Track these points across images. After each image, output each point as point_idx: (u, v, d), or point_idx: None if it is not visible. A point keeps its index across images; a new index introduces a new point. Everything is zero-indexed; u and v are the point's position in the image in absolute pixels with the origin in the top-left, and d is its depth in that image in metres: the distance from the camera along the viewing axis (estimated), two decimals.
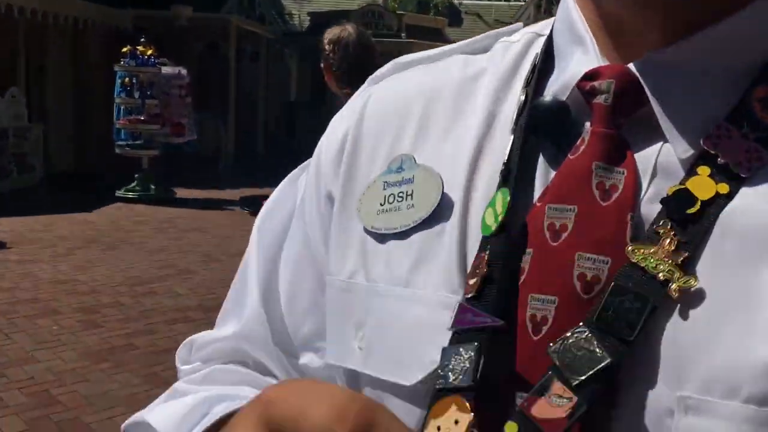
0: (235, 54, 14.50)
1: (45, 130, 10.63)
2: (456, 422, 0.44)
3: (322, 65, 2.83)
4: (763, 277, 0.42)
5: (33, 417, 3.65)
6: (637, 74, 0.48)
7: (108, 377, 4.06)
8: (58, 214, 8.48)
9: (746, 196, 0.44)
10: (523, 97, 0.55)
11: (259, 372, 0.67)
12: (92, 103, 11.24)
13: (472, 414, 0.43)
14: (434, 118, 0.59)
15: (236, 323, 0.68)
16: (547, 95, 0.53)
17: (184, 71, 10.38)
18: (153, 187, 10.01)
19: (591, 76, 0.50)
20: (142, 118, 9.88)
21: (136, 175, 9.99)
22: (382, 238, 0.55)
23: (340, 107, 0.69)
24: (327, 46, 2.79)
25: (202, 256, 7.00)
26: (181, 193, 10.21)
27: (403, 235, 0.54)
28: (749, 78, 0.47)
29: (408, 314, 0.51)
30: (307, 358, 0.64)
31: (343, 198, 0.60)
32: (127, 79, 9.90)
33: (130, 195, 9.87)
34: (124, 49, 9.90)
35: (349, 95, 2.19)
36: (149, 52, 9.98)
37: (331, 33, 2.83)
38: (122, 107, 9.98)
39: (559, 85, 0.53)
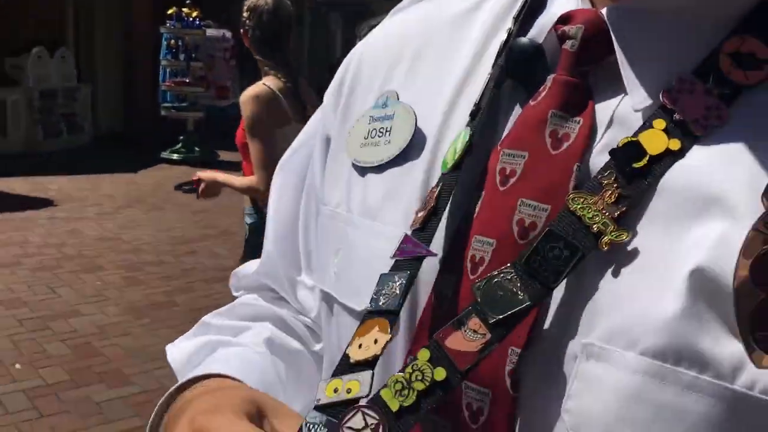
0: None
1: (93, 90, 10.81)
2: (375, 341, 0.46)
3: (240, 30, 2.98)
4: (690, 237, 0.42)
5: (76, 368, 3.79)
6: (607, 20, 0.47)
7: (148, 332, 4.18)
8: (104, 173, 8.66)
9: (696, 155, 0.44)
10: (505, 36, 0.54)
11: (278, 298, 0.76)
12: (139, 64, 11.37)
13: (390, 335, 0.46)
14: (428, 53, 0.60)
15: (260, 260, 0.77)
16: (530, 35, 0.52)
17: (228, 34, 10.40)
18: (197, 149, 10.13)
19: (565, 19, 0.49)
20: (187, 81, 9.97)
21: (181, 137, 10.12)
22: (362, 171, 0.58)
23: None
24: (245, 13, 2.93)
25: (241, 218, 7.09)
26: (224, 155, 10.31)
27: (379, 169, 0.56)
28: (726, 30, 0.45)
29: (370, 245, 0.54)
30: (315, 279, 0.69)
31: (339, 132, 0.63)
32: (172, 41, 9.98)
33: (175, 156, 10.01)
34: (170, 11, 9.96)
35: (262, 62, 2.24)
36: (194, 14, 10.02)
37: (250, 0, 2.95)
38: (168, 69, 10.08)
39: (540, 25, 0.53)
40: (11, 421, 3.32)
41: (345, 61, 0.67)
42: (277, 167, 0.75)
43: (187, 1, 10.07)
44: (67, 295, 4.84)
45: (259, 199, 2.94)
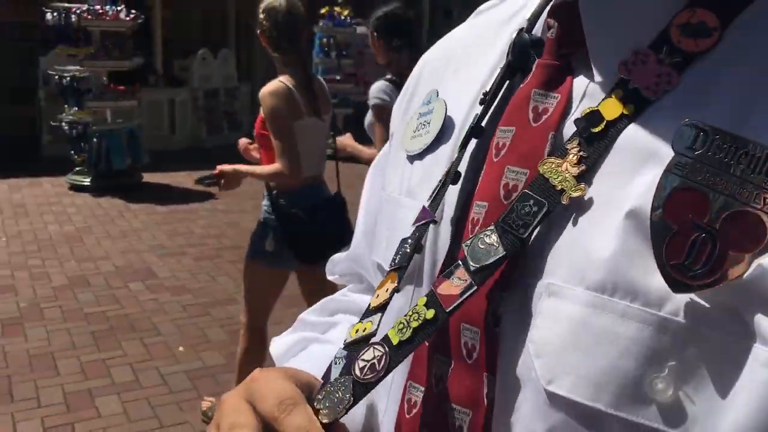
0: (429, 11, 14.56)
1: (252, 89, 11.40)
2: (386, 290, 0.57)
3: (258, 30, 3.20)
4: (631, 186, 0.48)
5: (231, 352, 4.01)
6: (580, 9, 0.54)
7: None
8: None
9: (647, 116, 0.49)
10: (515, 34, 0.62)
11: (366, 284, 0.85)
12: None
13: (396, 284, 0.57)
14: (471, 55, 0.69)
15: (350, 246, 0.86)
16: (535, 30, 0.61)
17: None
18: None
19: (553, 12, 0.57)
20: (338, 78, 10.27)
21: (331, 133, 10.44)
22: (411, 159, 0.68)
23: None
24: (261, 15, 3.16)
25: None
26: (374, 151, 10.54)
27: (420, 156, 0.67)
28: (679, 5, 0.50)
29: (408, 219, 0.63)
30: (373, 254, 0.78)
31: (399, 129, 0.74)
32: (324, 40, 10.33)
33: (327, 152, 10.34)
34: (323, 11, 10.30)
35: (278, 60, 2.55)
36: (345, 12, 10.31)
37: (265, 3, 3.17)
38: (320, 67, 10.44)
39: (541, 20, 0.61)
40: (173, 400, 3.59)
41: (414, 69, 0.78)
42: (370, 167, 0.85)
43: (339, 1, 10.37)
44: (225, 284, 5.15)
45: (282, 183, 3.19)
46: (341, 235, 3.25)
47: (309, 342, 0.80)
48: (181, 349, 4.15)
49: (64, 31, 8.17)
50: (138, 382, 3.75)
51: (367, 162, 3.52)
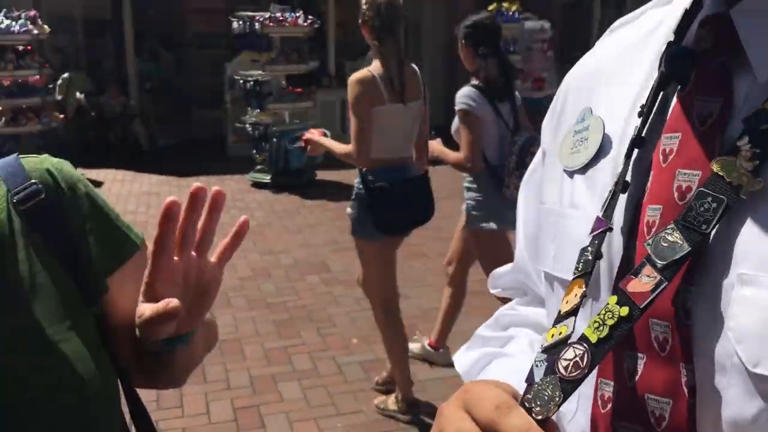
0: (600, 3, 14.04)
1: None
2: (576, 296, 0.61)
3: (360, 20, 3.31)
4: None
5: None
6: (733, 19, 0.58)
7: (463, 318, 4.34)
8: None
9: None
10: (665, 47, 0.66)
11: (531, 296, 0.90)
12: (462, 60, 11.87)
13: (584, 289, 0.61)
14: (616, 73, 0.73)
15: (513, 262, 0.92)
16: (684, 42, 0.64)
17: (547, 25, 10.40)
18: None
19: (704, 23, 0.62)
20: None
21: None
22: (571, 174, 0.73)
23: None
24: (364, 5, 3.29)
25: None
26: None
27: (582, 170, 0.71)
28: None
29: (576, 229, 0.68)
30: (539, 263, 0.81)
31: (551, 146, 0.80)
32: None
33: None
34: (491, 7, 10.25)
35: (376, 47, 2.88)
36: (514, 8, 10.20)
37: None
38: None
39: (690, 31, 0.64)
40: (349, 389, 3.77)
41: (558, 89, 0.83)
42: (522, 182, 0.90)
43: None
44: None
45: (350, 163, 3.37)
46: (425, 213, 3.51)
47: (492, 357, 0.85)
48: (354, 340, 4.34)
49: (248, 38, 8.75)
50: (316, 370, 3.97)
51: (453, 165, 3.65)
